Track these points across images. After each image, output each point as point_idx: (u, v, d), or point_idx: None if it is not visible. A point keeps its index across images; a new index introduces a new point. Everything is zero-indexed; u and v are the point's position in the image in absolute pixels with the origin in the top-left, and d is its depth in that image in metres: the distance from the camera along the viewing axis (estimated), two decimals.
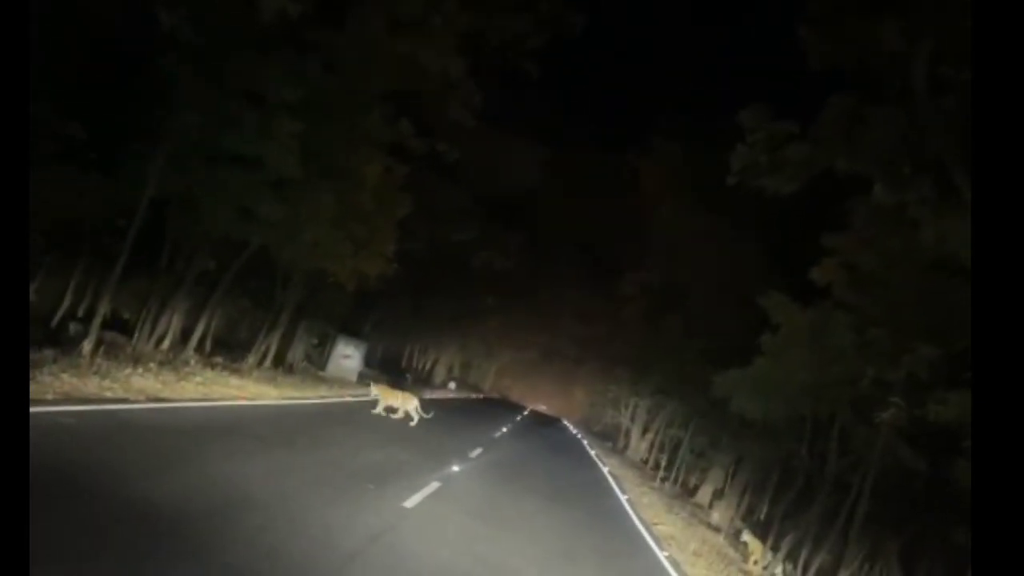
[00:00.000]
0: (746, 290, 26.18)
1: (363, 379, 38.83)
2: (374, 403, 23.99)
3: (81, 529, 6.89)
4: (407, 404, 24.27)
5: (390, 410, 23.85)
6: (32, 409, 10.70)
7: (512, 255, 58.86)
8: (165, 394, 16.20)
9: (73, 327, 21.58)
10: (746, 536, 24.07)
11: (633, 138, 79.75)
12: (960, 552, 20.94)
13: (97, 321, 19.47)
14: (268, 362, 30.05)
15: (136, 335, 23.19)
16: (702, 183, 34.16)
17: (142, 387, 16.01)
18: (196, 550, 7.37)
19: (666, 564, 16.19)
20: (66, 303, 23.86)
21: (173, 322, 24.71)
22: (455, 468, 18.17)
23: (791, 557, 22.82)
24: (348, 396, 29.05)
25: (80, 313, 23.87)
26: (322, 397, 25.75)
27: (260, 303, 30.33)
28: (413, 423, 23.44)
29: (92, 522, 7.14)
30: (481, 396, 77.71)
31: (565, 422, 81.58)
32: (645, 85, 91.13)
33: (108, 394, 14.09)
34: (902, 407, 19.11)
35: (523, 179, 51.27)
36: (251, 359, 28.58)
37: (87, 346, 18.59)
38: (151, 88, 18.25)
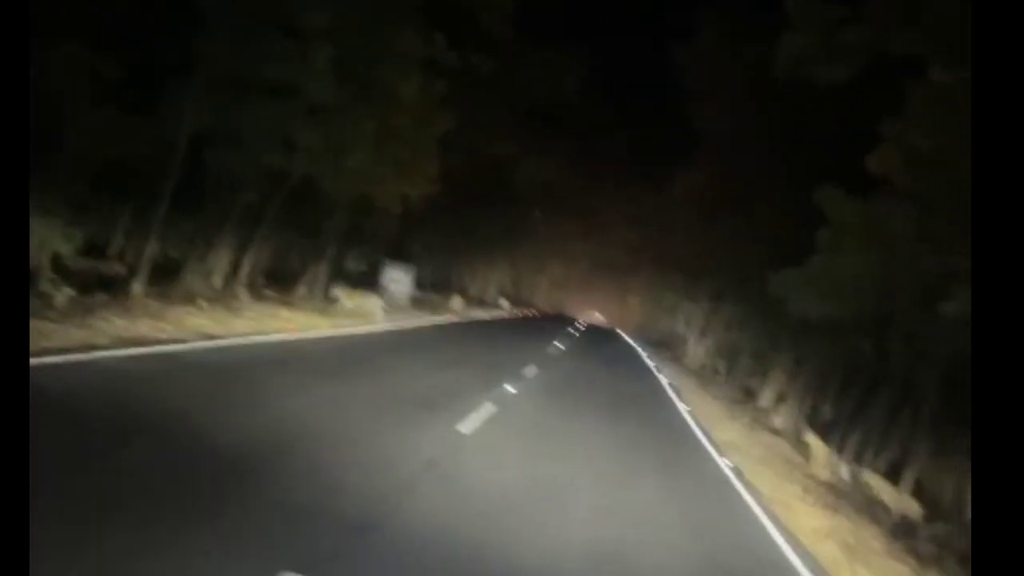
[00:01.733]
0: (800, 186, 25.38)
1: (416, 303, 38.92)
2: (427, 328, 23.88)
3: (142, 475, 6.85)
4: None
5: None
6: (86, 355, 10.84)
7: (557, 165, 58.10)
8: (217, 331, 16.18)
9: (118, 269, 21.63)
10: (808, 438, 23.78)
11: (678, 33, 77.50)
12: None
13: (146, 262, 19.45)
14: (319, 292, 30.06)
15: (186, 273, 23.22)
16: (750, 77, 33.02)
17: (194, 325, 15.98)
18: (256, 487, 7.30)
19: (729, 474, 15.95)
20: (117, 246, 23.91)
21: (221, 258, 24.70)
22: (511, 389, 18.03)
23: (857, 458, 22.50)
24: (400, 322, 29.05)
25: (130, 255, 23.93)
26: (371, 325, 25.72)
27: (306, 233, 30.20)
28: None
29: (153, 467, 7.09)
30: (534, 312, 77.79)
31: (620, 332, 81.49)
32: None
33: (161, 335, 14.06)
34: (965, 298, 18.43)
35: (564, 86, 50.03)
36: (302, 290, 28.60)
37: (137, 288, 18.61)
38: (183, 21, 17.93)
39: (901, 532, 16.28)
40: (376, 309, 25.94)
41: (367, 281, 37.72)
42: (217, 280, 24.25)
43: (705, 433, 20.95)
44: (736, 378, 41.62)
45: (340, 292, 26.69)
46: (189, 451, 7.81)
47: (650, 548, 9.34)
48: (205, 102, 18.36)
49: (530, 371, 22.77)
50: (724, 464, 16.85)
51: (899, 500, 18.85)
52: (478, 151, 40.94)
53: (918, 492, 21.41)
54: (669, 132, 57.58)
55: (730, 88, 39.81)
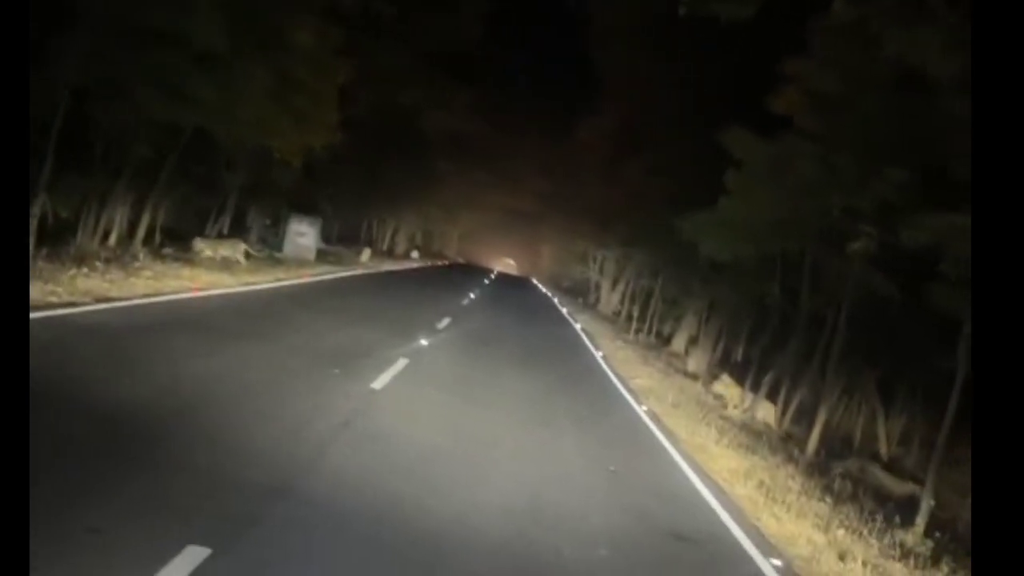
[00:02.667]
0: (707, 128, 25.31)
1: (323, 256, 38.14)
2: (335, 282, 23.35)
3: (36, 442, 6.24)
4: None
5: None
6: None
7: (464, 113, 57.34)
8: (113, 293, 15.39)
9: None
10: (721, 381, 24.00)
11: None
12: (939, 375, 20.94)
13: (33, 222, 18.40)
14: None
15: (79, 234, 22.13)
16: (654, 17, 32.70)
17: (88, 288, 15.14)
18: (158, 453, 6.91)
19: (646, 419, 15.95)
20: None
21: (117, 217, 23.65)
22: (423, 342, 17.68)
23: (770, 398, 22.76)
24: (307, 277, 28.36)
25: (34, 218, 22.71)
26: (278, 280, 24.97)
27: (206, 188, 29.12)
28: None
29: (47, 434, 6.44)
30: (446, 263, 77.33)
31: (534, 281, 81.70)
32: None
33: (52, 299, 13.24)
34: (874, 235, 18.61)
35: (468, 33, 49.11)
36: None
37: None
38: None
39: (816, 470, 16.49)
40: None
41: (273, 236, 36.81)
42: (114, 240, 23.23)
43: (620, 379, 20.97)
44: (650, 323, 41.93)
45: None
46: (84, 421, 7.28)
47: (569, 497, 9.17)
48: (88, 51, 17.26)
49: (443, 323, 22.47)
50: (640, 410, 16.83)
51: (812, 439, 19.11)
52: (382, 100, 39.98)
53: (830, 430, 21.79)
54: (575, 77, 57.33)
55: (634, 29, 39.52)
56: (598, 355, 25.76)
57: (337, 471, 7.70)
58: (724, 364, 29.57)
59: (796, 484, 13.39)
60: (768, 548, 9.27)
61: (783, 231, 22.31)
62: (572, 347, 27.71)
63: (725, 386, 23.15)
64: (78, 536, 5.04)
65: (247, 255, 24.06)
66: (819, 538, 10.22)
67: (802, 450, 18.57)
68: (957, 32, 13.68)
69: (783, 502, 11.60)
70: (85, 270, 16.80)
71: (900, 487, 18.14)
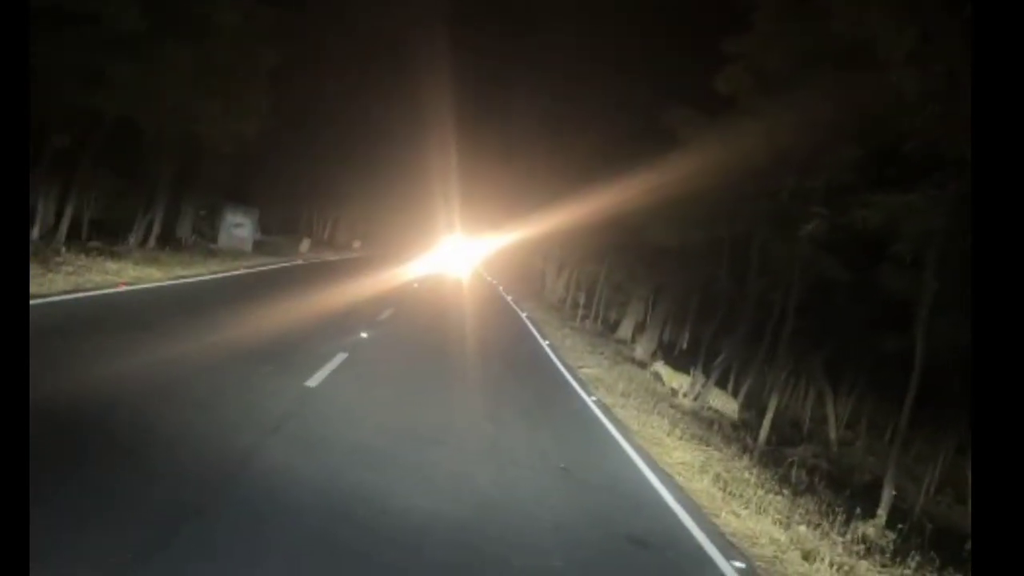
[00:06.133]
0: (650, 111, 24.84)
1: (261, 247, 37.09)
2: (269, 273, 22.47)
3: None
4: None
5: None
6: None
7: (401, 99, 56.22)
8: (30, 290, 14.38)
9: None
10: (659, 367, 23.58)
11: None
12: (884, 357, 20.74)
13: None
14: (153, 241, 27.99)
15: None
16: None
17: None
18: (70, 467, 6.23)
19: (596, 409, 15.38)
20: None
21: (39, 209, 22.49)
22: (362, 335, 16.93)
23: (719, 385, 22.40)
24: (242, 268, 27.38)
25: None
26: (213, 273, 23.99)
27: (134, 178, 27.89)
28: None
29: None
30: (387, 253, 76.24)
31: (478, 268, 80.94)
32: None
33: None
34: (825, 216, 18.23)
35: (409, 16, 48.12)
36: (132, 240, 26.51)
37: None
38: None
39: (770, 459, 16.08)
40: None
41: (208, 227, 35.67)
42: (34, 233, 22.07)
43: (568, 369, 20.41)
44: (596, 310, 41.49)
45: None
46: None
47: (520, 498, 8.55)
48: None
49: (385, 314, 21.74)
50: (590, 400, 16.26)
51: (764, 426, 18.76)
52: (317, 86, 38.83)
53: (779, 414, 21.49)
54: (517, 61, 56.62)
55: (569, 14, 39.05)
56: (544, 343, 25.18)
57: (266, 477, 7.01)
58: (672, 351, 29.22)
59: (752, 476, 12.90)
60: (729, 549, 8.73)
61: (729, 214, 21.92)
62: (519, 335, 27.10)
63: (672, 375, 22.70)
64: None
65: None
66: (781, 535, 9.72)
67: (755, 438, 18.20)
68: (908, 4, 13.31)
69: (741, 496, 11.10)
70: None
71: (857, 475, 17.88)
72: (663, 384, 22.32)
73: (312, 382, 11.45)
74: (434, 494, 7.95)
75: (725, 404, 21.48)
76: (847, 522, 11.74)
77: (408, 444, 9.63)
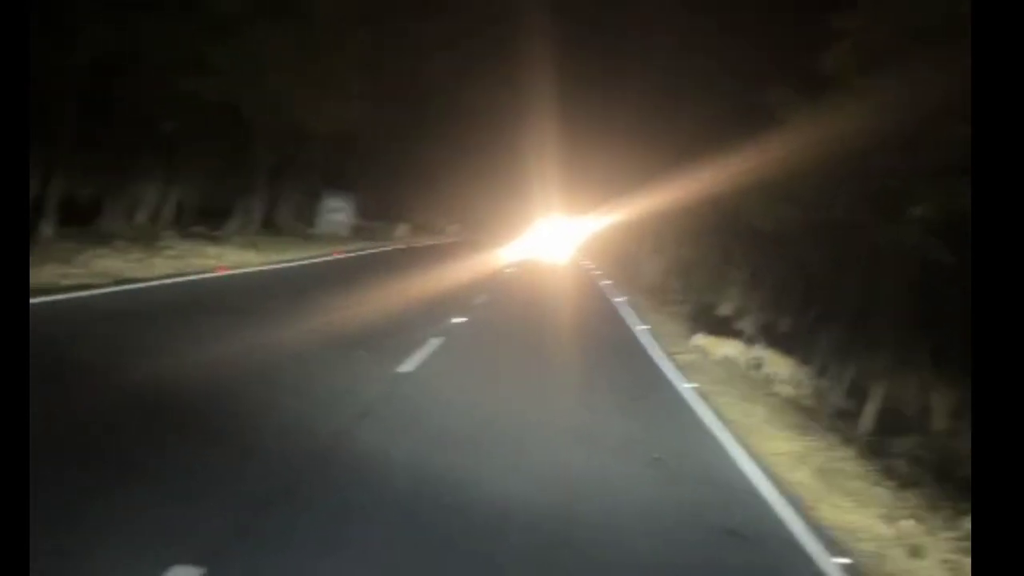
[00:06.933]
0: (749, 93, 24.24)
1: (358, 232, 37.57)
2: (366, 259, 22.72)
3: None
4: None
5: None
6: None
7: (500, 84, 56.14)
8: (133, 274, 14.91)
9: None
10: (768, 355, 23.00)
11: None
12: None
13: (52, 201, 17.90)
14: (253, 226, 28.58)
15: (105, 213, 21.63)
16: None
17: (106, 269, 14.64)
18: (161, 451, 6.41)
19: (691, 397, 15.07)
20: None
21: (143, 195, 23.15)
22: (457, 320, 16.96)
23: (821, 373, 21.77)
24: (339, 253, 27.73)
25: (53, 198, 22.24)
26: (310, 258, 24.40)
27: (236, 164, 28.49)
28: None
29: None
30: (483, 237, 76.50)
31: (570, 252, 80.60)
32: None
33: (66, 281, 12.72)
34: (933, 199, 17.50)
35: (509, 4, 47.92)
36: (233, 225, 27.10)
37: (47, 230, 17.15)
38: None
39: (874, 451, 15.54)
40: None
41: (307, 212, 36.24)
42: (141, 218, 22.73)
43: (664, 354, 20.10)
44: (691, 295, 40.84)
45: None
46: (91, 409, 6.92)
47: (611, 486, 8.39)
48: (100, 20, 16.60)
49: (480, 299, 21.77)
50: (686, 387, 15.96)
51: (867, 415, 18.15)
52: (413, 68, 39.03)
53: (885, 407, 20.80)
54: (609, 49, 55.91)
55: None
56: (639, 328, 24.86)
57: (355, 460, 7.10)
58: (772, 336, 28.52)
59: (854, 467, 12.47)
60: (831, 544, 8.42)
61: (831, 195, 21.27)
62: (613, 319, 26.84)
63: (772, 361, 22.12)
64: None
65: None
66: (885, 530, 9.34)
67: (856, 427, 17.63)
68: None
69: (842, 488, 10.72)
70: (106, 250, 16.26)
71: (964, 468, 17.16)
72: (761, 371, 21.79)
73: (405, 367, 11.51)
74: (523, 481, 7.86)
75: (828, 394, 20.89)
76: (954, 517, 11.25)
77: (498, 430, 9.57)
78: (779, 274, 28.92)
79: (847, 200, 21.04)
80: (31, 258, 13.64)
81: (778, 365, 21.95)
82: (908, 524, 9.85)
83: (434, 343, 13.54)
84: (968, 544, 9.86)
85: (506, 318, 20.45)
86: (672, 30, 40.35)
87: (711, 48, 34.57)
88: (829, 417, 18.27)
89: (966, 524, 11.18)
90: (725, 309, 35.82)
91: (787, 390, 20.05)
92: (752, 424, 13.86)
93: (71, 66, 16.87)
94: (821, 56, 20.58)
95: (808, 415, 16.98)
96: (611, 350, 19.86)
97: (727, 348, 23.43)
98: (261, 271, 19.58)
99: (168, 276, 15.59)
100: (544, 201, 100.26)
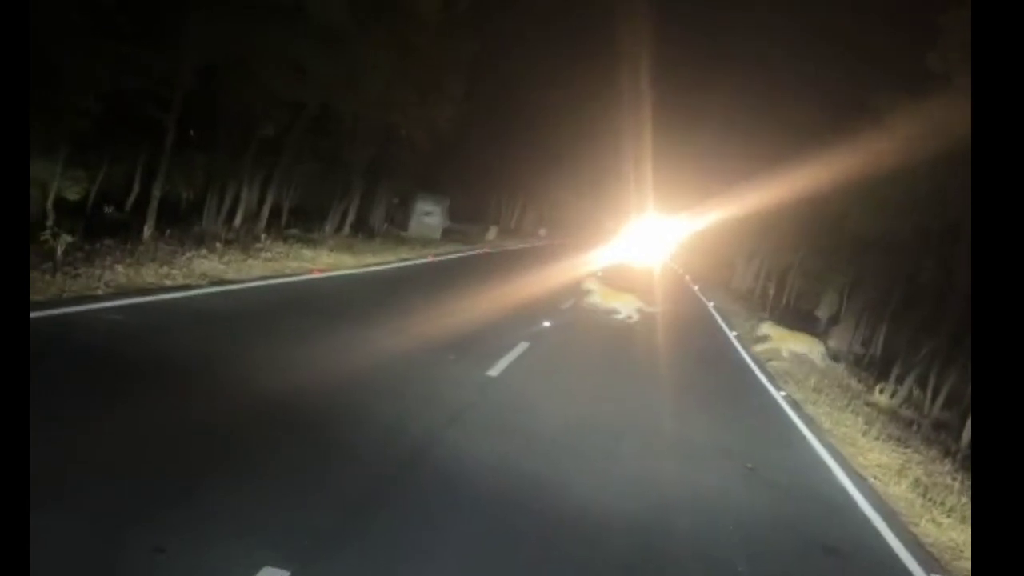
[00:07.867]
0: (853, 94, 23.63)
1: (450, 235, 37.78)
2: (457, 262, 22.82)
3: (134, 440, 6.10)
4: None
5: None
6: (74, 308, 9.77)
7: (591, 88, 55.86)
8: (230, 275, 15.14)
9: (111, 212, 20.49)
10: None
11: None
12: None
13: (154, 204, 18.38)
14: (347, 228, 28.96)
15: (204, 215, 22.15)
16: None
17: (205, 270, 14.92)
18: (246, 454, 6.40)
19: (785, 405, 14.74)
20: (136, 190, 22.78)
21: (242, 197, 23.62)
22: (545, 324, 16.89)
23: (920, 383, 21.07)
24: (431, 256, 27.93)
25: (149, 199, 22.85)
26: (402, 260, 24.59)
27: (332, 167, 28.91)
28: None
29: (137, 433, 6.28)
30: (572, 240, 76.28)
31: (661, 256, 79.79)
32: None
33: (167, 282, 13.02)
34: None
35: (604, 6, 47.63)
36: (328, 227, 27.50)
37: (148, 232, 17.60)
38: None
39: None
40: None
41: (401, 215, 36.60)
42: (237, 221, 23.20)
43: (756, 362, 19.74)
44: (787, 302, 40.03)
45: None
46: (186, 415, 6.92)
47: (703, 497, 8.21)
48: (205, 27, 16.98)
49: (568, 303, 21.66)
50: (779, 396, 15.63)
51: (968, 428, 17.46)
52: (508, 72, 39.08)
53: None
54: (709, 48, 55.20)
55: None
56: (731, 334, 24.48)
57: (443, 464, 7.06)
58: (870, 345, 27.75)
59: (956, 482, 12.02)
60: (930, 561, 8.12)
61: (941, 200, 20.56)
62: (704, 325, 26.52)
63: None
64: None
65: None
66: None
67: (957, 440, 16.98)
68: None
69: (942, 504, 10.35)
70: (204, 251, 16.61)
71: None
72: (858, 380, 21.21)
73: (494, 371, 11.48)
74: (613, 489, 7.77)
75: (926, 405, 20.22)
76: None
77: (587, 437, 9.47)
78: (883, 282, 28.09)
79: (961, 204, 20.30)
80: (134, 258, 14.10)
81: (875, 374, 21.37)
82: None
83: (522, 347, 13.48)
84: None
85: (593, 322, 20.24)
86: (772, 31, 39.66)
87: (813, 50, 33.95)
88: (929, 428, 17.67)
89: None
90: (823, 314, 35.04)
91: (883, 400, 19.48)
92: (847, 434, 13.50)
93: (178, 71, 17.29)
94: (929, 55, 19.94)
95: (906, 426, 16.48)
96: (702, 355, 19.59)
97: (818, 352, 22.81)
98: (355, 274, 19.79)
99: (264, 277, 15.84)
100: (635, 205, 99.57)
